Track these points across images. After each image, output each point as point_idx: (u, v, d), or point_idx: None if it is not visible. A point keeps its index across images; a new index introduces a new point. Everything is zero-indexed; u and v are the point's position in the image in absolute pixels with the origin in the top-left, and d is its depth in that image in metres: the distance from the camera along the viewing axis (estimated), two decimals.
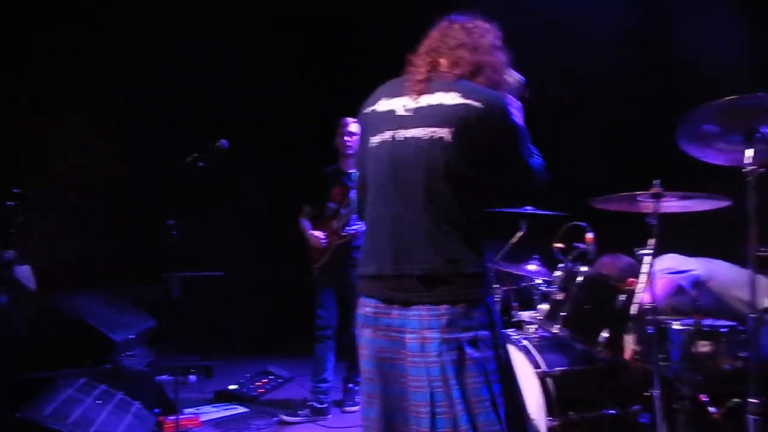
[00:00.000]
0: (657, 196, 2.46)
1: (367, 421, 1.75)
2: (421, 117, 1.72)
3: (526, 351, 2.72)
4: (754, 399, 2.19)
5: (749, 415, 2.18)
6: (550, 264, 3.08)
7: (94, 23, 5.14)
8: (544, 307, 2.79)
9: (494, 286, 3.34)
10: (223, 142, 3.31)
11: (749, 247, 2.17)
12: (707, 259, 3.05)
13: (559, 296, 2.74)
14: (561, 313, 2.69)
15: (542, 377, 2.64)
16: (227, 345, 5.49)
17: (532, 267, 3.16)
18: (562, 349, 2.81)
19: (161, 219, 3.33)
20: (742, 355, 2.65)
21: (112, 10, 5.15)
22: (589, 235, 2.70)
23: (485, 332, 1.68)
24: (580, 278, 2.70)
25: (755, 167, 2.16)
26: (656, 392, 2.45)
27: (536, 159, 1.81)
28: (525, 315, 3.04)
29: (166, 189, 4.76)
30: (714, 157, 2.39)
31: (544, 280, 3.07)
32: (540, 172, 1.80)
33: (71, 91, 5.06)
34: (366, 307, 1.78)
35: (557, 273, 2.81)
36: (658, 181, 2.49)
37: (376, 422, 1.72)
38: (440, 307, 1.66)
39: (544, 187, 1.82)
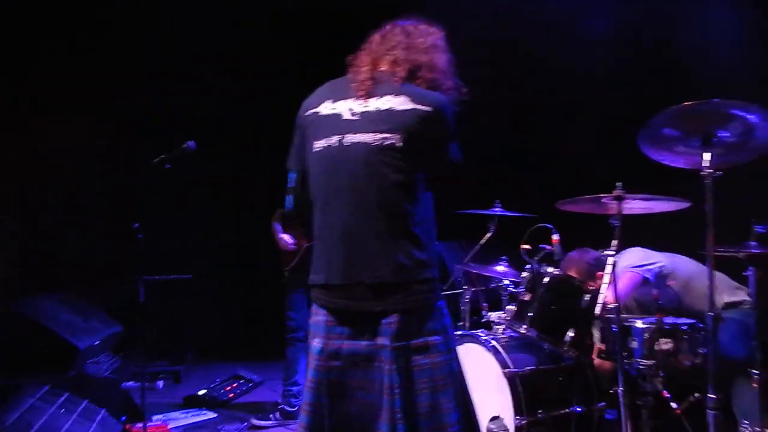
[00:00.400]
0: (619, 199, 2.53)
1: (308, 429, 1.72)
2: (369, 121, 1.71)
3: (495, 351, 2.76)
4: (712, 395, 2.26)
5: (709, 410, 2.25)
6: (517, 265, 3.13)
7: (92, 23, 5.05)
8: (512, 307, 2.84)
9: (464, 287, 3.38)
10: (190, 143, 3.27)
11: (707, 247, 2.25)
12: (671, 253, 3.14)
13: (527, 297, 2.78)
14: (528, 314, 2.74)
15: (511, 377, 2.68)
16: (196, 349, 5.42)
17: (500, 268, 3.21)
18: (529, 348, 2.86)
19: (128, 221, 3.27)
20: (701, 351, 2.75)
21: (112, 10, 5.07)
22: (555, 237, 2.75)
23: (437, 338, 1.69)
24: (546, 279, 2.75)
25: (712, 170, 2.24)
26: (621, 389, 2.51)
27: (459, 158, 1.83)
28: (493, 315, 3.08)
29: (134, 191, 4.68)
30: (674, 160, 2.46)
31: (511, 281, 3.11)
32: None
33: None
34: (318, 315, 1.77)
35: (524, 274, 2.86)
36: (621, 183, 2.56)
37: (321, 431, 1.70)
38: (393, 314, 1.66)
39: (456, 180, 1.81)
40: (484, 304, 3.52)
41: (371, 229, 1.68)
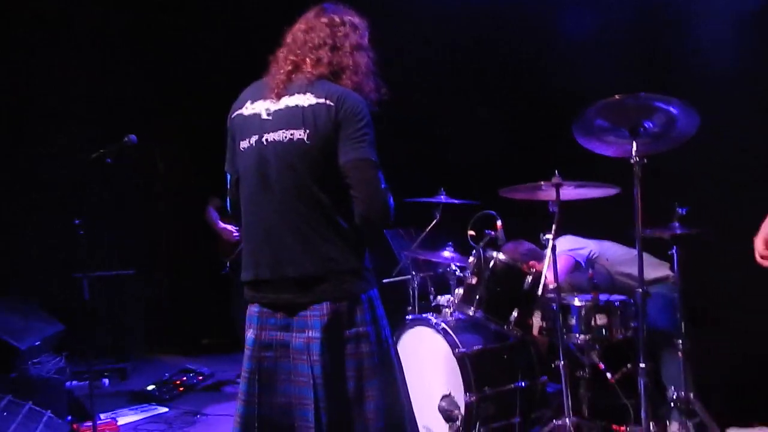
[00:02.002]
0: (557, 186, 2.69)
1: (243, 418, 1.77)
2: (279, 120, 1.75)
3: (444, 333, 2.89)
4: (643, 364, 2.46)
5: (640, 378, 2.46)
6: (463, 250, 3.26)
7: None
8: (460, 291, 2.97)
9: (412, 273, 3.49)
10: (132, 137, 3.21)
11: (636, 229, 2.44)
12: (598, 240, 3.36)
13: (473, 280, 2.92)
14: (475, 296, 2.87)
15: (460, 357, 2.81)
16: (142, 345, 5.31)
17: (446, 254, 3.33)
18: (477, 329, 3.01)
19: (69, 217, 3.19)
20: (632, 325, 2.97)
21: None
22: (499, 223, 2.89)
23: (367, 328, 1.75)
24: (491, 263, 2.89)
25: (639, 158, 2.42)
26: (561, 363, 2.69)
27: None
28: (442, 299, 3.20)
29: (74, 186, 4.53)
30: (605, 149, 2.65)
31: (458, 266, 3.24)
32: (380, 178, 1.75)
33: None
34: (252, 307, 1.83)
35: (471, 259, 2.99)
36: (557, 171, 2.72)
37: (252, 420, 1.75)
38: (322, 306, 1.71)
39: (383, 195, 1.74)
40: (431, 289, 3.65)
41: (293, 224, 1.73)
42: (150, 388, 4.21)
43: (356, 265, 1.76)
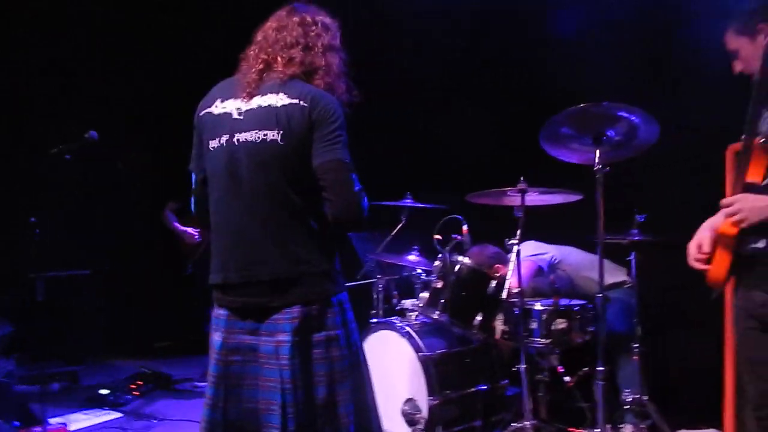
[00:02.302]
0: (522, 192, 2.74)
1: (208, 424, 1.74)
2: (251, 120, 1.72)
3: (409, 337, 2.90)
4: (601, 367, 2.52)
5: (597, 381, 2.52)
6: (429, 254, 3.28)
7: None
8: (425, 294, 2.98)
9: (377, 276, 3.49)
10: (93, 133, 3.12)
11: (598, 234, 2.51)
12: (559, 245, 3.44)
13: (439, 284, 2.94)
14: (441, 300, 2.89)
15: (424, 360, 2.83)
16: (97, 348, 5.15)
17: (412, 257, 3.35)
18: (441, 333, 3.03)
19: (23, 215, 3.07)
20: (590, 329, 3.05)
21: None
22: (465, 227, 2.92)
23: (338, 332, 1.73)
24: (457, 267, 2.92)
25: (602, 166, 2.50)
26: (522, 367, 2.73)
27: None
28: (407, 303, 3.21)
29: (30, 183, 4.37)
30: (569, 156, 2.71)
31: (424, 270, 3.26)
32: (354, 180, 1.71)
33: None
34: (219, 310, 1.79)
35: (437, 263, 3.01)
36: (523, 177, 2.78)
37: (217, 425, 1.73)
38: (292, 309, 1.68)
39: (357, 196, 1.70)
40: (395, 293, 3.66)
41: (265, 225, 1.70)
42: (103, 392, 4.07)
43: (327, 267, 1.74)
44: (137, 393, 4.14)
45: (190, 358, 4.92)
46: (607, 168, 2.50)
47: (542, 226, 3.06)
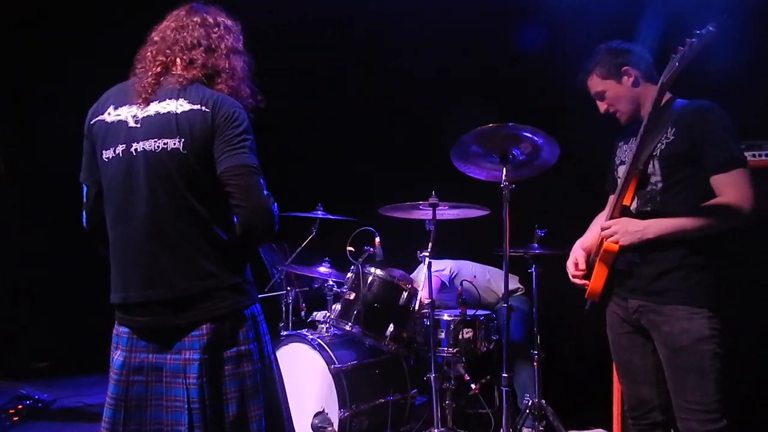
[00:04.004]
0: (434, 206, 2.83)
1: None
2: (150, 128, 1.62)
3: (321, 349, 2.88)
4: (505, 374, 2.63)
5: (503, 387, 2.63)
6: (340, 266, 3.29)
7: None
8: (337, 306, 2.98)
9: (287, 288, 3.45)
10: None
11: (504, 248, 2.63)
12: (454, 259, 3.59)
13: (351, 296, 2.96)
14: (353, 312, 2.91)
15: (335, 373, 2.82)
16: None
17: (323, 269, 3.34)
18: (352, 345, 3.04)
19: None
20: (494, 338, 3.20)
21: None
22: (377, 239, 2.97)
23: (250, 346, 1.66)
24: (369, 279, 2.95)
25: (508, 183, 2.63)
26: (432, 376, 2.81)
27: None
28: (319, 315, 3.20)
29: None
30: (478, 173, 2.83)
31: (335, 281, 3.26)
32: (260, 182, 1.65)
33: None
34: (120, 327, 1.69)
35: (349, 274, 3.03)
36: (433, 192, 2.87)
37: None
38: (202, 326, 1.60)
39: (266, 202, 1.64)
40: (303, 305, 3.63)
41: (167, 240, 1.60)
42: None
43: (238, 280, 1.67)
44: (16, 419, 3.77)
45: (78, 379, 4.57)
46: (512, 185, 2.63)
47: (452, 239, 3.17)
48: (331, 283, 3.25)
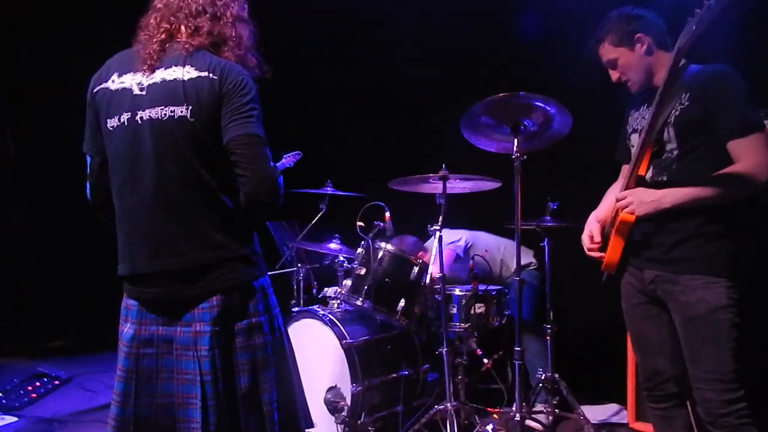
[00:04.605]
0: (444, 179, 2.79)
1: (117, 421, 1.63)
2: (156, 95, 1.59)
3: (332, 324, 2.87)
4: (518, 347, 2.61)
5: (515, 361, 2.62)
6: (350, 242, 3.27)
7: None
8: (348, 282, 2.97)
9: (298, 265, 3.44)
10: None
11: (516, 221, 2.60)
12: (469, 230, 3.55)
13: (362, 271, 2.94)
14: (364, 287, 2.89)
15: (347, 348, 2.81)
16: None
17: (333, 245, 3.32)
18: (364, 320, 3.03)
19: None
20: (506, 312, 3.17)
21: None
22: (387, 214, 2.93)
23: (260, 318, 1.65)
24: (380, 254, 2.93)
25: (519, 154, 2.58)
26: (444, 350, 2.79)
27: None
28: (330, 291, 3.19)
29: None
30: (489, 145, 2.79)
31: (345, 257, 3.25)
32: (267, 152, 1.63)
33: None
34: (129, 300, 1.68)
35: (359, 250, 3.00)
36: (444, 165, 2.82)
37: (127, 422, 1.63)
38: (212, 297, 1.59)
39: (271, 172, 1.61)
40: (314, 282, 3.63)
41: (175, 209, 1.58)
42: None
43: (246, 251, 1.65)
44: (35, 395, 3.83)
45: (94, 356, 4.63)
46: (524, 156, 2.58)
47: (462, 212, 3.13)
48: (341, 259, 3.24)
